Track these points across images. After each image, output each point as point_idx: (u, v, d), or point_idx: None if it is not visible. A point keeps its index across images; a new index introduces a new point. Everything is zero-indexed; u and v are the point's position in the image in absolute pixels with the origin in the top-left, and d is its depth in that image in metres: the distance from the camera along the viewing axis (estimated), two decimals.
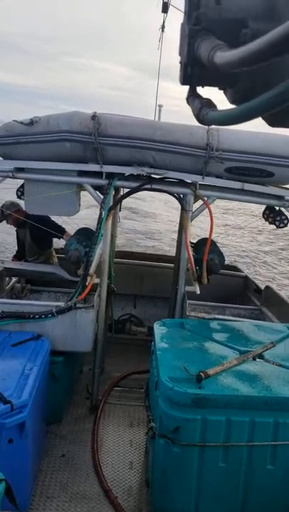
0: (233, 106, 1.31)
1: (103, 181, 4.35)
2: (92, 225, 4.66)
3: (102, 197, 4.35)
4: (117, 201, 4.80)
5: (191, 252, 4.46)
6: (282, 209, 4.78)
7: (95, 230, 4.37)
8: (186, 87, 1.54)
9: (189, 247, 4.46)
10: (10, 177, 4.38)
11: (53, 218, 5.75)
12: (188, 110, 1.57)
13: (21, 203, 4.90)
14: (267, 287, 5.69)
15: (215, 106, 1.40)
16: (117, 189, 4.76)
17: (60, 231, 5.75)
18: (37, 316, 4.03)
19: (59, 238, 5.91)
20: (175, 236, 6.15)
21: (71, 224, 5.37)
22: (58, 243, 6.43)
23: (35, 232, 5.78)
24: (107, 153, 4.24)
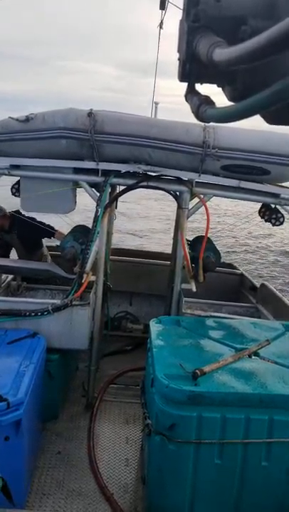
0: (231, 103, 1.31)
1: (99, 179, 4.34)
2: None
3: (98, 194, 4.34)
4: (113, 198, 4.79)
5: (187, 250, 4.46)
6: (278, 207, 4.79)
7: (91, 227, 4.36)
8: (180, 84, 1.54)
9: (185, 245, 4.47)
10: (6, 174, 4.36)
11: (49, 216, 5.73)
12: (182, 107, 1.56)
13: (16, 201, 4.86)
14: (262, 285, 5.70)
15: (213, 103, 1.39)
16: (113, 186, 4.75)
17: (49, 231, 5.70)
18: (33, 314, 4.02)
19: (50, 237, 5.88)
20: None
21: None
22: (54, 240, 6.40)
23: (24, 236, 5.74)
24: (104, 150, 4.23)
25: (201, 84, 1.50)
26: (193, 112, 1.45)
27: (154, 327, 3.61)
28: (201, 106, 1.38)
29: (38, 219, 5.75)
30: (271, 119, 1.33)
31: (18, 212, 5.55)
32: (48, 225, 5.75)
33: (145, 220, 21.55)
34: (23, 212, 5.49)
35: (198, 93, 1.48)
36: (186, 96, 1.54)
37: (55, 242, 5.84)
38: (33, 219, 5.69)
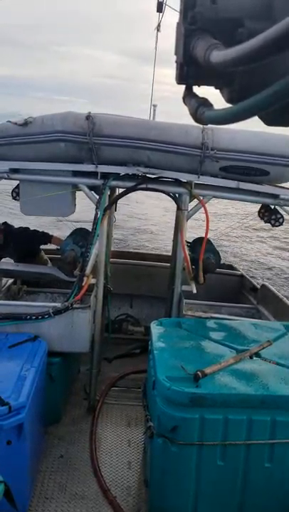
0: (229, 105, 1.31)
1: (98, 181, 4.34)
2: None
3: (97, 197, 4.34)
4: (113, 201, 4.80)
5: (187, 252, 4.46)
6: (278, 207, 4.79)
7: (90, 230, 4.36)
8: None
9: (185, 247, 4.47)
10: (5, 178, 4.37)
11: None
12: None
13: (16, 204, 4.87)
14: (263, 286, 5.70)
15: (211, 105, 1.40)
16: (112, 189, 4.76)
17: (44, 238, 5.67)
18: (34, 317, 4.02)
19: (46, 244, 5.85)
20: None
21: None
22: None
23: (21, 248, 5.65)
24: (102, 153, 4.24)
25: (199, 86, 1.50)
26: (191, 114, 1.46)
27: (155, 329, 3.61)
28: (199, 108, 1.38)
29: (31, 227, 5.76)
30: (269, 121, 1.33)
31: (5, 224, 5.55)
32: (42, 232, 5.73)
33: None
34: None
35: (196, 95, 1.48)
36: (184, 98, 1.55)
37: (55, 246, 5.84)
38: (26, 229, 5.67)
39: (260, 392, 2.76)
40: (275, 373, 3.00)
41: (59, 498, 3.46)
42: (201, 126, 4.15)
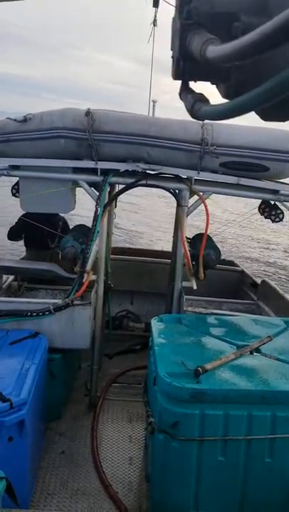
0: (225, 100, 1.31)
1: (98, 178, 4.34)
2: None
3: (97, 193, 4.34)
4: (113, 198, 4.79)
5: (187, 248, 4.46)
6: (278, 203, 4.79)
7: (90, 226, 4.36)
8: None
9: (185, 243, 4.46)
10: (5, 175, 4.37)
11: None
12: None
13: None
14: (263, 281, 5.70)
15: (208, 100, 1.39)
16: (112, 185, 4.75)
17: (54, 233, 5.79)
18: (34, 314, 4.02)
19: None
20: None
21: None
22: None
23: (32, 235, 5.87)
24: (102, 149, 4.23)
25: (195, 82, 1.49)
26: (187, 109, 1.45)
27: (156, 325, 3.61)
28: (195, 104, 1.38)
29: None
30: (265, 116, 1.33)
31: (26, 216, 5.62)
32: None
33: None
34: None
35: (192, 91, 1.48)
36: (180, 94, 1.54)
37: None
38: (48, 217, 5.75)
39: (261, 388, 2.77)
40: (276, 369, 3.00)
41: (61, 493, 3.48)
42: (201, 122, 4.14)
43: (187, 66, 1.42)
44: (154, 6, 5.30)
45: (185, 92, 1.50)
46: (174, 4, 1.41)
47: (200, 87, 1.49)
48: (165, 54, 1.53)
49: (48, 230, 5.72)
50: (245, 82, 1.23)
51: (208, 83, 1.46)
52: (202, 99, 1.40)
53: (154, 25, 5.52)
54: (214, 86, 1.45)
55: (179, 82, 1.53)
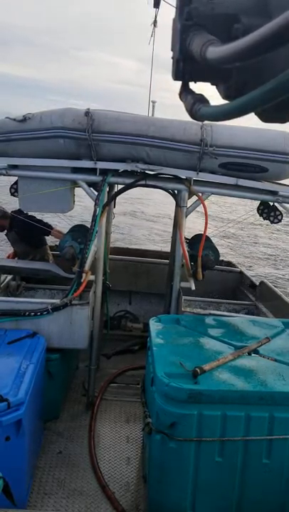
0: (225, 101, 1.31)
1: (97, 178, 4.33)
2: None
3: (96, 193, 4.34)
4: (112, 198, 4.79)
5: (185, 248, 4.46)
6: (277, 204, 4.79)
7: (89, 226, 4.36)
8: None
9: (184, 243, 4.47)
10: (3, 174, 4.36)
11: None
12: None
13: (15, 200, 4.87)
14: (262, 282, 5.70)
15: (207, 101, 1.39)
16: (111, 185, 4.75)
17: (46, 226, 5.72)
18: (32, 314, 4.02)
19: (47, 235, 5.89)
20: None
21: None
22: (54, 241, 6.41)
23: (22, 231, 5.78)
24: (101, 149, 4.23)
25: (195, 82, 1.49)
26: (187, 110, 1.45)
27: (154, 326, 3.61)
28: (195, 104, 1.38)
29: (38, 217, 5.78)
30: (265, 117, 1.33)
31: (19, 211, 5.57)
32: (46, 223, 5.76)
33: None
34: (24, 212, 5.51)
35: (192, 91, 1.48)
36: (180, 95, 1.54)
37: (55, 242, 5.85)
38: (33, 217, 5.70)
39: (259, 389, 2.77)
40: (274, 370, 3.01)
41: (58, 493, 3.48)
42: (200, 122, 4.14)
43: (187, 67, 1.42)
44: (154, 7, 5.31)
45: (185, 92, 1.50)
46: (175, 5, 1.41)
47: (200, 87, 1.49)
48: (171, 53, 1.52)
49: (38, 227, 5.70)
50: (245, 84, 1.23)
51: (208, 84, 1.46)
52: (202, 99, 1.40)
53: (155, 25, 5.53)
54: (214, 87, 1.45)
55: None
